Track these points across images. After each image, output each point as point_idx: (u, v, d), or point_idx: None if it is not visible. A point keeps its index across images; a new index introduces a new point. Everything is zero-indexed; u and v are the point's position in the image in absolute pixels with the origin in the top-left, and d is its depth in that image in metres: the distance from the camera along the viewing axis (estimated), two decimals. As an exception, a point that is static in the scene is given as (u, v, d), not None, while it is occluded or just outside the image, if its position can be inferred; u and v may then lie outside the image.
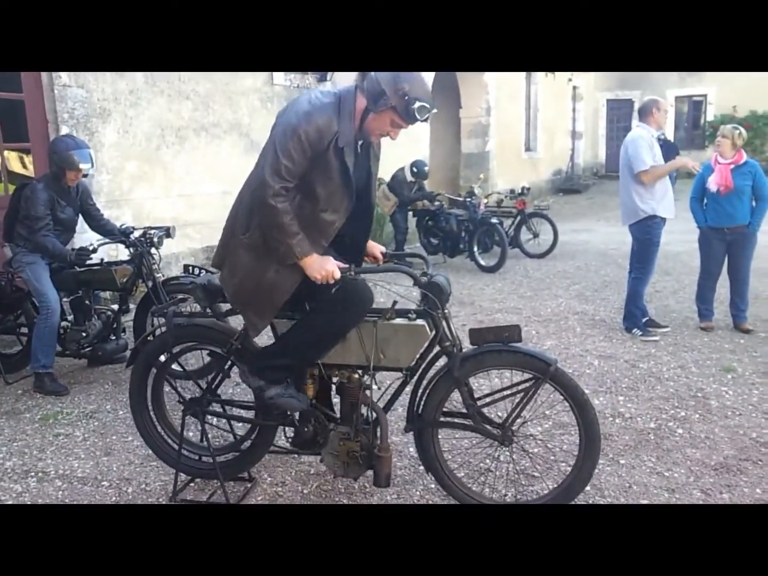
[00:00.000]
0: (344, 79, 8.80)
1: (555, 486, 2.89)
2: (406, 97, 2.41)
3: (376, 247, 2.98)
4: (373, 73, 2.46)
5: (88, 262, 4.51)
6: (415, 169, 8.77)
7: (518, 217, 9.34)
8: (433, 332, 2.68)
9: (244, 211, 2.63)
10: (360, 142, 2.63)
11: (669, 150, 10.07)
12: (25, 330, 4.79)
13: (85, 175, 4.52)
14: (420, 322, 2.68)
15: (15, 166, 6.29)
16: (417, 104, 2.41)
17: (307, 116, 2.45)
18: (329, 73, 8.68)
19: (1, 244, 4.63)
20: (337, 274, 2.55)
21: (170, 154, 7.13)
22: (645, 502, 2.95)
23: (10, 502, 3.09)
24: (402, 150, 10.32)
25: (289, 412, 2.87)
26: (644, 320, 5.45)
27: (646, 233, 5.19)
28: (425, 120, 2.50)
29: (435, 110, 2.49)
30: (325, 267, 2.54)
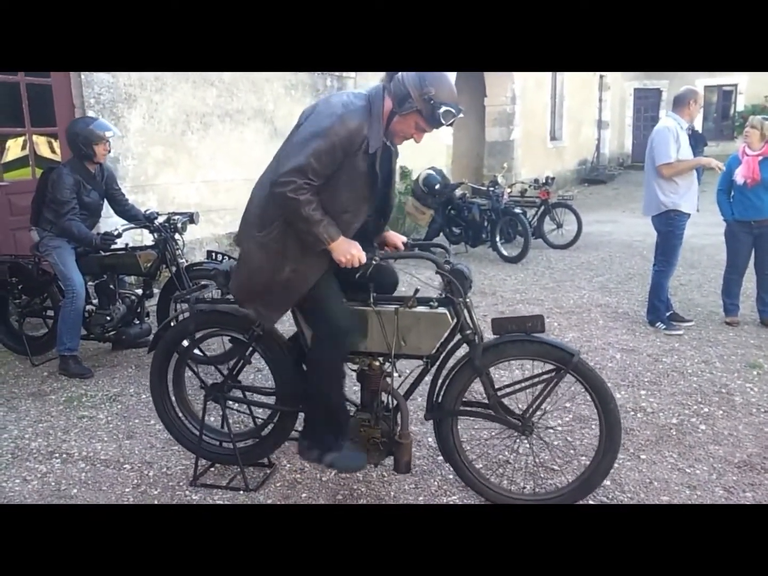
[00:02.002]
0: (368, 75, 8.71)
1: (574, 479, 2.87)
2: (432, 102, 2.39)
3: (397, 237, 2.97)
4: (399, 73, 2.44)
5: (113, 246, 4.56)
6: (425, 188, 8.48)
7: (542, 207, 9.26)
8: (455, 320, 2.68)
9: (257, 209, 2.65)
10: (386, 143, 2.61)
11: (696, 141, 9.90)
12: (50, 313, 4.85)
13: (108, 151, 4.58)
14: (442, 310, 2.67)
15: (44, 151, 6.34)
16: (443, 109, 2.39)
17: (340, 119, 2.42)
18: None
19: (28, 228, 4.68)
20: (363, 259, 2.56)
21: (195, 140, 7.16)
22: (666, 498, 2.92)
23: (35, 482, 3.15)
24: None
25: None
26: (668, 314, 5.39)
27: (667, 226, 5.11)
28: (450, 124, 2.47)
29: (461, 114, 2.46)
30: (350, 251, 2.54)
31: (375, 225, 2.83)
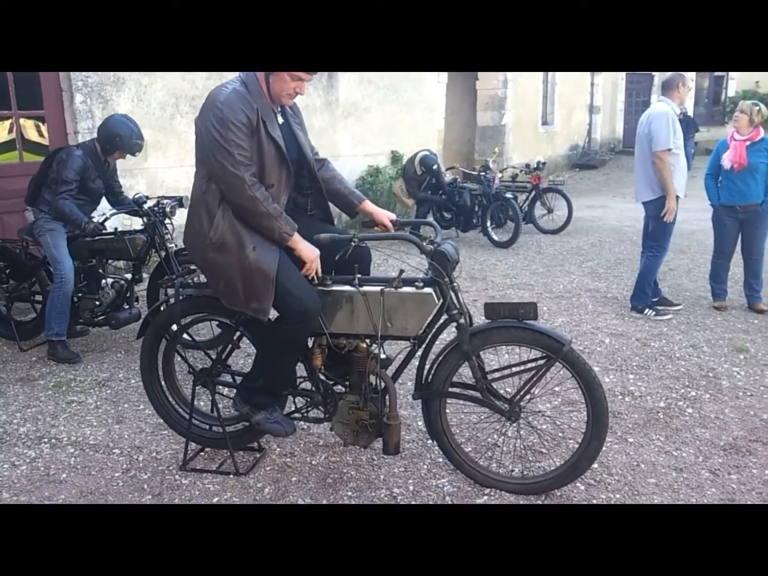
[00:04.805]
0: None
1: (562, 462, 2.89)
2: None
3: (385, 215, 2.97)
4: None
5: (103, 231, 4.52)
6: (423, 169, 8.53)
7: (533, 193, 9.27)
8: (441, 300, 2.68)
9: (200, 216, 2.69)
10: (279, 112, 2.69)
11: (688, 126, 9.92)
12: (39, 297, 4.83)
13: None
14: (427, 290, 2.66)
15: (31, 134, 6.27)
16: None
17: (227, 104, 2.52)
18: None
19: (23, 208, 4.64)
20: (318, 271, 2.69)
21: (184, 124, 7.09)
22: (652, 480, 2.96)
23: (24, 467, 3.14)
24: (415, 118, 10.19)
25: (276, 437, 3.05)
26: (655, 299, 5.41)
27: (662, 211, 5.10)
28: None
29: None
30: (313, 252, 2.66)
31: (320, 195, 2.89)
